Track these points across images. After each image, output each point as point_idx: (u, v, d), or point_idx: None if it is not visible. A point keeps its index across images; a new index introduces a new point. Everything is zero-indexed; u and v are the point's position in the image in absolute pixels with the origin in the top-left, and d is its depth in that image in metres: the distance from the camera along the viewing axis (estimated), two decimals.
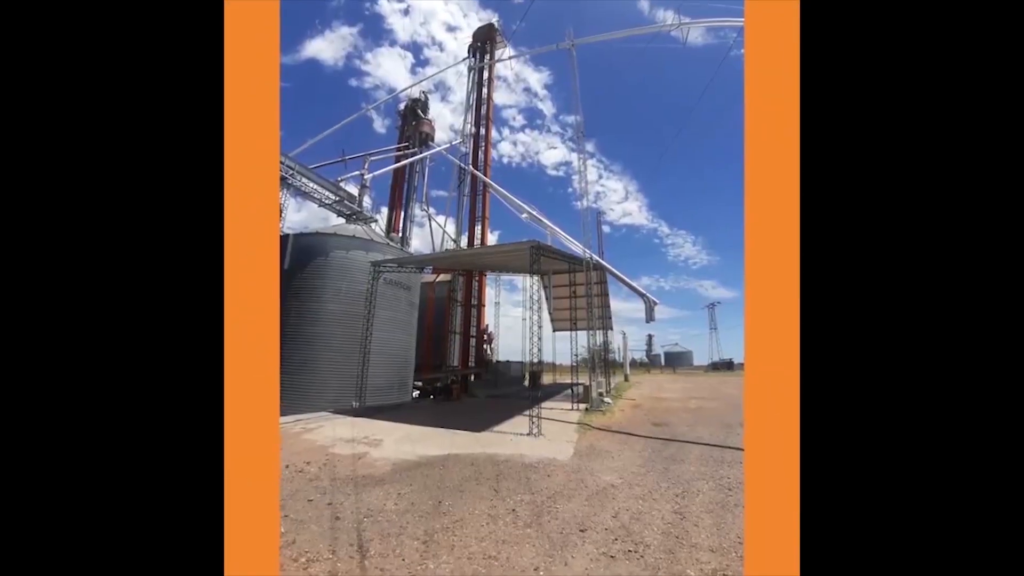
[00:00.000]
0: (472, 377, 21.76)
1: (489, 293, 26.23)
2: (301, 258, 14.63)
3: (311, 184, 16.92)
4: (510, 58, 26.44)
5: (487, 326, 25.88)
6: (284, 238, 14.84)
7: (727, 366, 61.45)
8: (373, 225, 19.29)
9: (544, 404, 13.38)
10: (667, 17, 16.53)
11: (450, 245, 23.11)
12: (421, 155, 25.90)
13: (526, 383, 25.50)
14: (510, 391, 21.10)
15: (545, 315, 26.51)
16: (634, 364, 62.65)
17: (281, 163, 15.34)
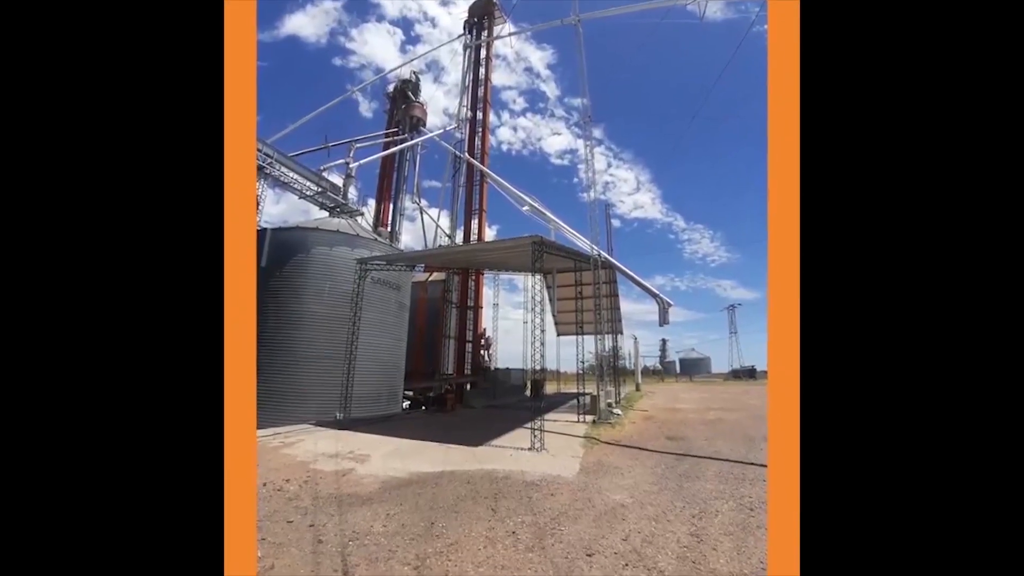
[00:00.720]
0: (468, 386, 21.77)
1: (487, 294, 26.24)
2: (280, 255, 14.65)
3: (291, 173, 16.93)
4: (510, 35, 26.48)
5: (484, 330, 25.91)
6: (261, 233, 14.86)
7: (749, 374, 61.50)
8: (359, 219, 19.30)
9: (547, 416, 13.38)
10: None
11: (444, 241, 23.12)
12: (412, 142, 25.95)
13: (527, 393, 25.53)
14: (510, 401, 21.10)
15: (548, 318, 26.45)
16: (646, 372, 62.63)
17: (258, 150, 15.36)
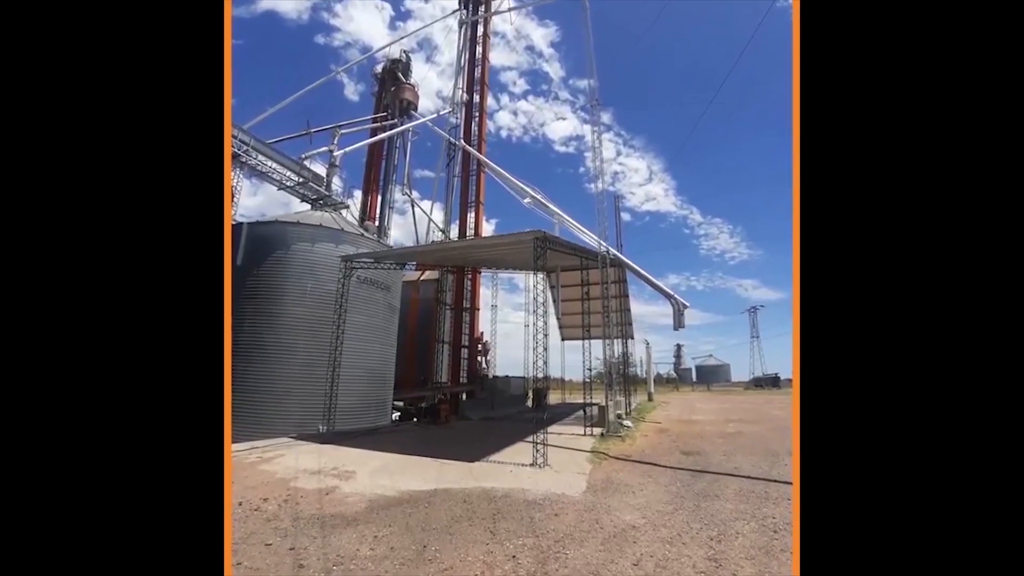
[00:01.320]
0: (464, 395, 21.75)
1: (484, 294, 26.27)
2: (257, 252, 14.65)
3: (269, 162, 16.93)
4: (509, 10, 26.50)
5: (482, 334, 25.89)
6: (237, 227, 14.86)
7: (772, 382, 61.66)
8: (344, 212, 19.30)
9: (551, 428, 13.38)
10: None
11: (438, 236, 23.12)
12: (402, 127, 25.95)
13: (529, 403, 25.56)
14: (510, 412, 21.11)
15: (552, 321, 26.55)
16: (659, 380, 62.75)
17: (232, 137, 15.36)
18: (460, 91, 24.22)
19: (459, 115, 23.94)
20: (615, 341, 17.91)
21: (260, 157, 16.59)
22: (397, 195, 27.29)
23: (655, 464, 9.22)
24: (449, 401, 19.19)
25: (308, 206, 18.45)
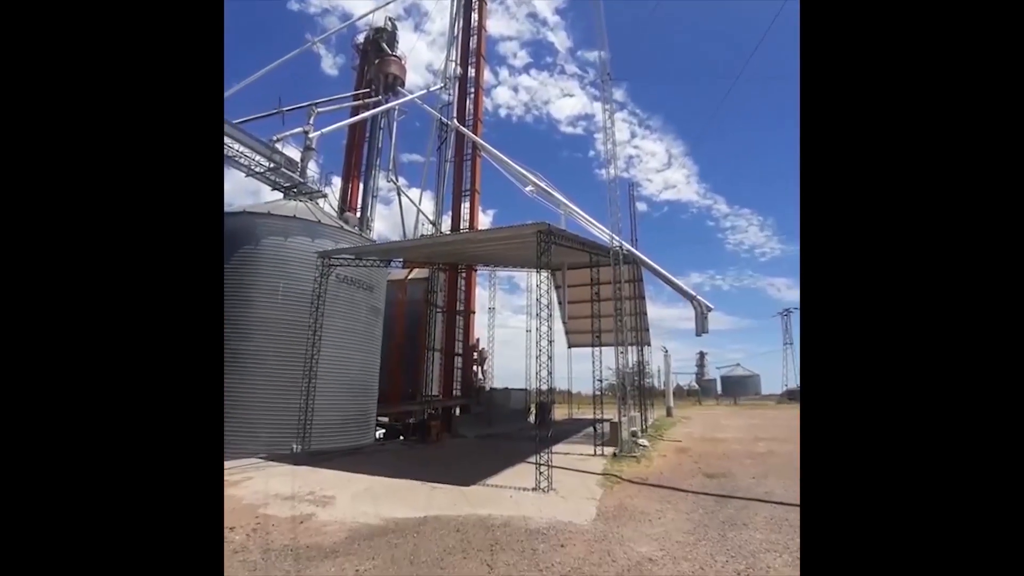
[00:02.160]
0: (457, 410, 21.77)
1: (481, 295, 26.29)
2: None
3: (236, 145, 16.92)
4: None
5: (478, 341, 25.90)
6: None
7: None
8: (321, 201, 19.32)
9: (556, 448, 13.40)
10: None
11: (427, 229, 23.14)
12: (387, 105, 25.93)
13: (531, 418, 25.56)
14: (510, 429, 21.12)
15: (558, 325, 26.53)
16: (680, 392, 62.82)
17: None
18: (453, 64, 24.22)
19: (452, 91, 23.93)
20: (629, 348, 17.93)
21: (226, 139, 16.58)
22: (382, 182, 27.28)
23: (675, 488, 9.23)
24: (441, 417, 19.21)
25: (280, 195, 18.45)
